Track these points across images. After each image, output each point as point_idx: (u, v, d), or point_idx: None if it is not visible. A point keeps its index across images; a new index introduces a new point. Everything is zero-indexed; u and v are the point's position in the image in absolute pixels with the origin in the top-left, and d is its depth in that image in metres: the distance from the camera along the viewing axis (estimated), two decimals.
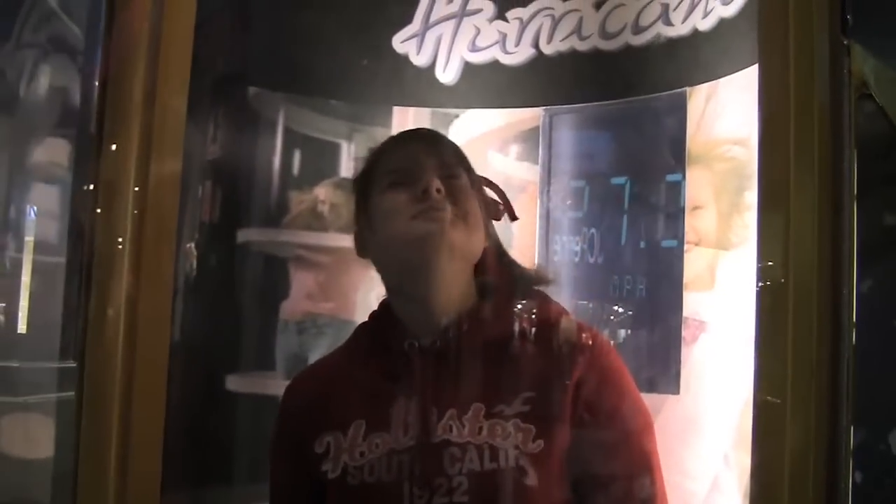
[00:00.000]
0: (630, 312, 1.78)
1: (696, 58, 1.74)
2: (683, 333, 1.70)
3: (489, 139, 1.98)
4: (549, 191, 1.94)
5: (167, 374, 0.94)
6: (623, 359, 1.03)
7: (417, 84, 1.99)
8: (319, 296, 1.93)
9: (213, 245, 1.94)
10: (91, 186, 0.92)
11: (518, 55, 1.96)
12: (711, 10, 1.71)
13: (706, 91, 1.72)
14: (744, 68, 1.60)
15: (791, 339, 0.79)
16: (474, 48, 1.98)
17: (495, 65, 1.98)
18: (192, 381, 1.71)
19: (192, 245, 1.88)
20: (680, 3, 1.77)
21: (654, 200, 1.80)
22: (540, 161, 1.95)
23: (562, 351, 0.98)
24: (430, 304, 0.99)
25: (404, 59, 1.99)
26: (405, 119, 1.99)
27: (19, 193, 1.69)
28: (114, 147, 0.93)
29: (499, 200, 1.09)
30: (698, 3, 1.74)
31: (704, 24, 1.72)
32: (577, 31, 1.91)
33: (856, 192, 0.80)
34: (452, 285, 0.99)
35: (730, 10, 1.67)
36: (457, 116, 1.99)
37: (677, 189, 1.75)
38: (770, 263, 0.81)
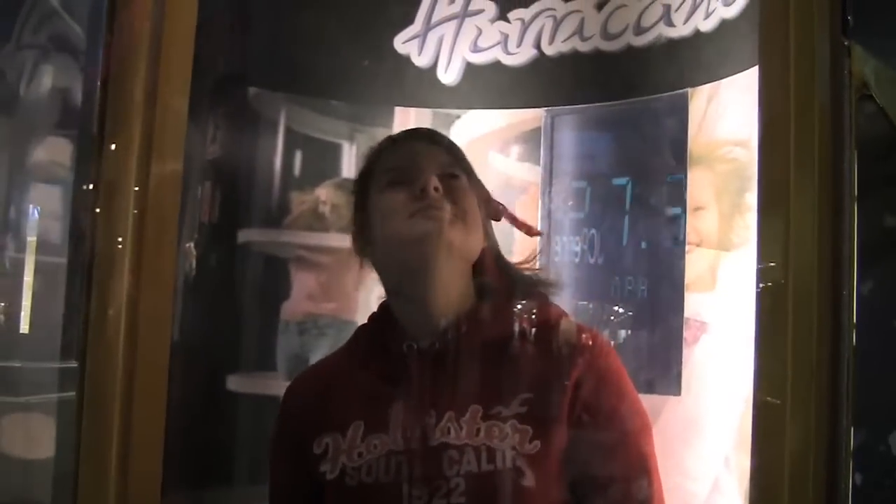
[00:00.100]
0: (631, 313, 1.78)
1: (698, 59, 1.74)
2: (685, 334, 1.69)
3: (491, 140, 1.98)
4: (550, 192, 1.94)
5: (168, 374, 0.94)
6: (624, 360, 1.03)
7: (419, 85, 1.99)
8: (320, 296, 1.93)
9: (214, 245, 1.94)
10: (91, 186, 0.92)
11: (520, 56, 1.96)
12: (713, 11, 1.71)
13: (708, 92, 1.72)
14: (745, 69, 1.60)
15: (791, 340, 0.79)
16: (476, 49, 1.98)
17: (497, 65, 1.98)
18: (193, 381, 1.71)
19: (194, 245, 1.88)
20: (682, 4, 1.77)
21: (655, 201, 1.80)
22: (541, 162, 1.95)
23: (560, 352, 0.98)
24: (428, 305, 0.99)
25: (406, 60, 1.99)
26: (407, 120, 1.99)
27: (22, 193, 1.70)
28: (115, 147, 0.93)
29: (498, 201, 1.08)
30: (700, 4, 1.74)
31: (706, 25, 1.72)
32: (579, 31, 1.91)
33: (856, 193, 0.80)
34: (451, 285, 0.99)
35: (731, 11, 1.67)
36: (458, 117, 1.99)
37: (679, 190, 1.75)
38: (770, 264, 0.81)
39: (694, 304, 1.69)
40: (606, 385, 0.98)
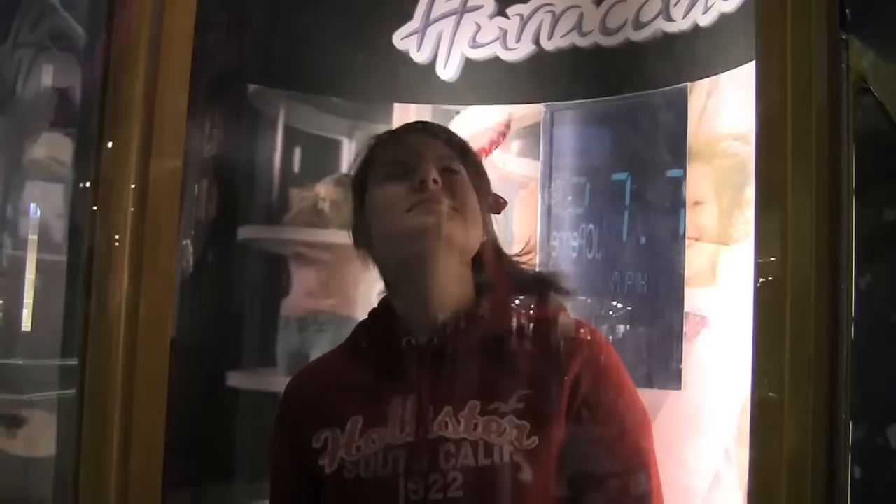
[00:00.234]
0: (631, 308, 1.78)
1: (697, 53, 1.73)
2: (685, 329, 1.70)
3: (490, 136, 1.98)
4: (550, 187, 1.94)
5: (168, 371, 0.94)
6: (624, 355, 1.03)
7: (418, 81, 1.99)
8: (321, 293, 1.93)
9: (213, 242, 1.95)
10: (88, 184, 0.92)
11: (519, 51, 1.96)
12: (712, 6, 1.70)
13: (707, 86, 1.72)
14: (744, 64, 1.59)
15: (789, 334, 0.79)
16: (475, 45, 1.98)
17: (496, 61, 1.98)
18: (194, 377, 1.71)
19: (193, 242, 1.88)
20: None
21: (655, 196, 1.80)
22: (541, 157, 1.95)
23: (559, 348, 0.98)
24: (426, 300, 0.99)
25: (405, 56, 1.99)
26: (406, 116, 1.99)
27: (23, 192, 1.70)
28: (114, 144, 0.93)
29: (499, 195, 1.08)
30: None
31: (705, 20, 1.72)
32: (578, 27, 1.91)
33: (854, 186, 0.80)
34: (449, 280, 0.99)
35: (730, 6, 1.66)
36: (458, 113, 1.99)
37: (678, 185, 1.75)
38: (769, 259, 0.81)
39: (694, 298, 1.69)
40: (605, 380, 0.98)
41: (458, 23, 1.99)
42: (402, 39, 1.99)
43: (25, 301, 1.66)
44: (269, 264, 2.01)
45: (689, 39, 1.75)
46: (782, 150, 0.81)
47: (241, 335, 1.95)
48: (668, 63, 1.78)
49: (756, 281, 0.81)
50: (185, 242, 1.83)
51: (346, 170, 2.01)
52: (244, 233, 1.96)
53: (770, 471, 0.79)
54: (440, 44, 1.99)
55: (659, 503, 0.97)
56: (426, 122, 1.18)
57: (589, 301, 1.82)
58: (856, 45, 0.81)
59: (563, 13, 1.92)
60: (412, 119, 1.97)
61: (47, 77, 1.59)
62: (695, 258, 1.70)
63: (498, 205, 1.08)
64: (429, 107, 1.99)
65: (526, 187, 1.95)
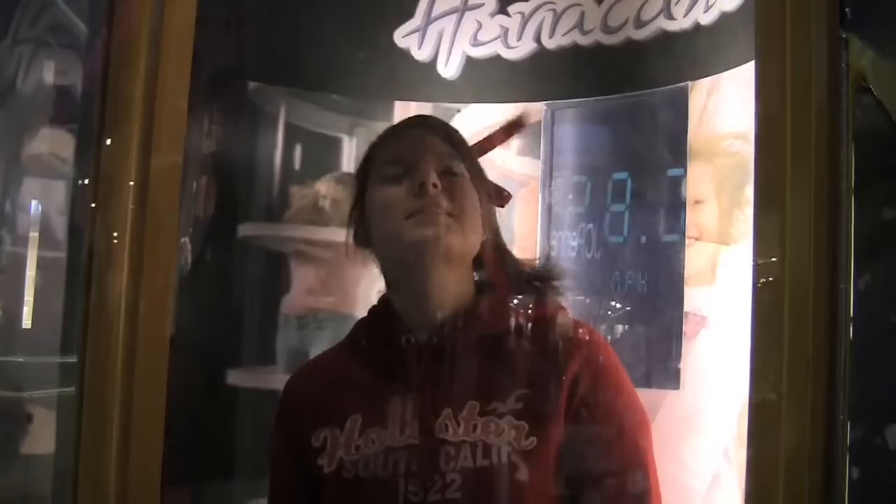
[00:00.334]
0: (631, 308, 1.78)
1: (698, 52, 1.73)
2: (684, 328, 1.69)
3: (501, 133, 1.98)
4: (550, 186, 1.94)
5: (168, 369, 0.94)
6: (624, 354, 1.03)
7: (419, 79, 1.99)
8: (320, 291, 1.93)
9: (213, 240, 1.94)
10: (87, 181, 0.92)
11: (520, 50, 1.96)
12: (713, 4, 1.70)
13: (708, 85, 1.71)
14: (745, 62, 1.59)
15: (788, 334, 0.78)
16: (476, 43, 1.98)
17: (497, 59, 1.97)
18: (193, 375, 1.71)
19: (193, 240, 1.88)
20: None
21: (655, 195, 1.80)
22: (542, 156, 1.94)
23: (557, 348, 0.98)
24: (425, 300, 0.99)
25: (406, 54, 1.99)
26: (407, 114, 1.98)
27: (24, 188, 1.70)
28: (114, 141, 0.93)
29: (503, 188, 1.08)
30: None
31: (706, 19, 1.72)
32: (579, 25, 1.91)
33: (854, 185, 0.80)
34: (448, 282, 0.99)
35: (731, 4, 1.66)
36: (458, 111, 1.99)
37: (679, 184, 1.75)
38: (767, 259, 0.81)
39: (694, 298, 1.69)
40: (603, 380, 0.98)
41: (459, 21, 1.98)
42: (404, 37, 1.99)
43: (26, 298, 1.66)
44: (269, 262, 2.01)
45: (691, 38, 1.75)
46: (781, 149, 0.80)
47: (240, 333, 1.95)
48: (669, 62, 1.78)
49: (754, 280, 0.81)
50: (184, 240, 1.82)
51: (347, 167, 2.02)
52: (244, 230, 1.96)
53: (768, 471, 0.78)
54: (441, 42, 1.99)
55: (657, 503, 0.97)
56: (426, 117, 1.17)
57: (588, 300, 1.82)
58: (855, 43, 0.81)
59: (564, 11, 1.92)
60: None
61: (47, 73, 1.59)
62: (695, 257, 1.70)
63: (502, 198, 1.07)
64: (429, 105, 1.99)
65: (526, 186, 1.95)
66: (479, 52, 1.98)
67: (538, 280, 1.04)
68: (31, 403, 1.52)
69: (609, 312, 1.79)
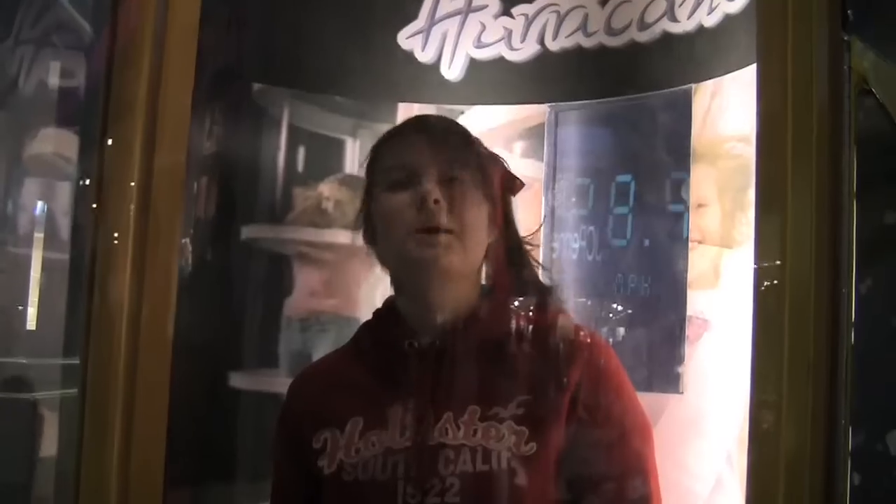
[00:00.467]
0: (633, 311, 1.78)
1: (702, 54, 1.73)
2: (687, 332, 1.69)
3: (494, 136, 1.98)
4: (553, 188, 1.93)
5: (170, 371, 0.94)
6: (626, 357, 1.03)
7: (422, 80, 1.99)
8: (323, 293, 1.93)
9: (216, 242, 1.95)
10: (88, 182, 0.92)
11: (523, 52, 1.95)
12: (717, 7, 1.70)
13: (711, 88, 1.71)
14: (749, 65, 1.58)
15: (789, 339, 0.78)
16: (479, 44, 1.98)
17: (500, 61, 1.97)
18: (196, 378, 1.71)
19: (196, 241, 1.88)
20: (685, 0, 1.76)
21: (658, 198, 1.79)
22: (545, 158, 1.94)
23: (559, 352, 0.98)
24: (429, 306, 1.00)
25: (409, 56, 1.99)
26: (410, 115, 1.98)
27: (29, 189, 1.70)
28: (116, 142, 0.93)
29: (514, 175, 1.07)
30: None
31: (710, 21, 1.71)
32: (583, 27, 1.91)
33: (855, 189, 0.80)
34: (451, 292, 0.99)
35: (735, 7, 1.66)
36: (462, 113, 1.99)
37: (682, 186, 1.74)
38: (768, 263, 0.80)
39: (697, 301, 1.69)
40: (605, 385, 0.98)
41: (462, 22, 1.98)
42: (407, 39, 1.99)
43: (31, 299, 1.66)
44: (272, 264, 2.00)
45: (694, 40, 1.75)
46: (783, 151, 0.80)
47: (243, 335, 1.95)
48: (673, 64, 1.78)
49: (756, 284, 0.81)
50: (186, 241, 1.82)
51: (350, 169, 2.02)
52: (247, 232, 1.96)
53: (768, 476, 0.78)
54: (445, 43, 1.99)
55: None
56: (429, 117, 1.16)
57: (591, 303, 1.82)
58: (857, 45, 0.81)
59: (567, 13, 1.92)
60: None
61: (51, 73, 1.59)
62: (697, 261, 1.70)
63: (515, 186, 1.06)
64: (433, 107, 1.99)
65: (530, 188, 1.95)
66: (483, 54, 1.98)
67: (540, 293, 1.04)
68: (35, 405, 1.52)
69: (611, 315, 1.79)
